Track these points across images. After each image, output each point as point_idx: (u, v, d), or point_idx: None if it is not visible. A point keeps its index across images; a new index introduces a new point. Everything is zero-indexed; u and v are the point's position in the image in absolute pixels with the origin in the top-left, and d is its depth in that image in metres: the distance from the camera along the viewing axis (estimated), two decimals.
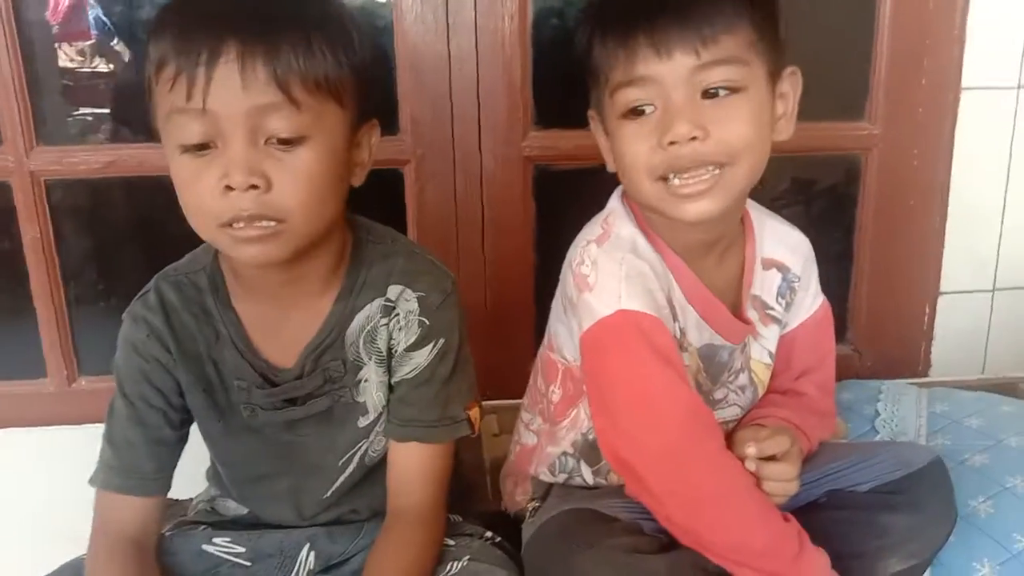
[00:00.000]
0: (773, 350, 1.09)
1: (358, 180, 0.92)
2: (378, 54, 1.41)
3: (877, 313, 1.62)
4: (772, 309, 1.07)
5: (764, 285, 1.06)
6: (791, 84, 0.95)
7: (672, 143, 0.88)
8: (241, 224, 0.82)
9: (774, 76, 0.93)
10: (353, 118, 0.88)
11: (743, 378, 1.07)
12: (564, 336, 1.05)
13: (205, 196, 0.82)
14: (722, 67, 0.88)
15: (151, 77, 0.82)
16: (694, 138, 0.87)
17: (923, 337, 1.63)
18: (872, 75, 1.51)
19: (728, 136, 0.88)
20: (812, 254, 1.11)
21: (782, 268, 1.07)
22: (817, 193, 1.64)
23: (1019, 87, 1.51)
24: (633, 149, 0.91)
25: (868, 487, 1.03)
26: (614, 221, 1.00)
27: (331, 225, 0.90)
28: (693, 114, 0.87)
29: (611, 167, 1.00)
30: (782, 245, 1.08)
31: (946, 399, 1.34)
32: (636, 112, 0.91)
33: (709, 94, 0.88)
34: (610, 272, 0.94)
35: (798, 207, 1.62)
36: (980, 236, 1.58)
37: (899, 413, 1.31)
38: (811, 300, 1.11)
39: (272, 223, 0.82)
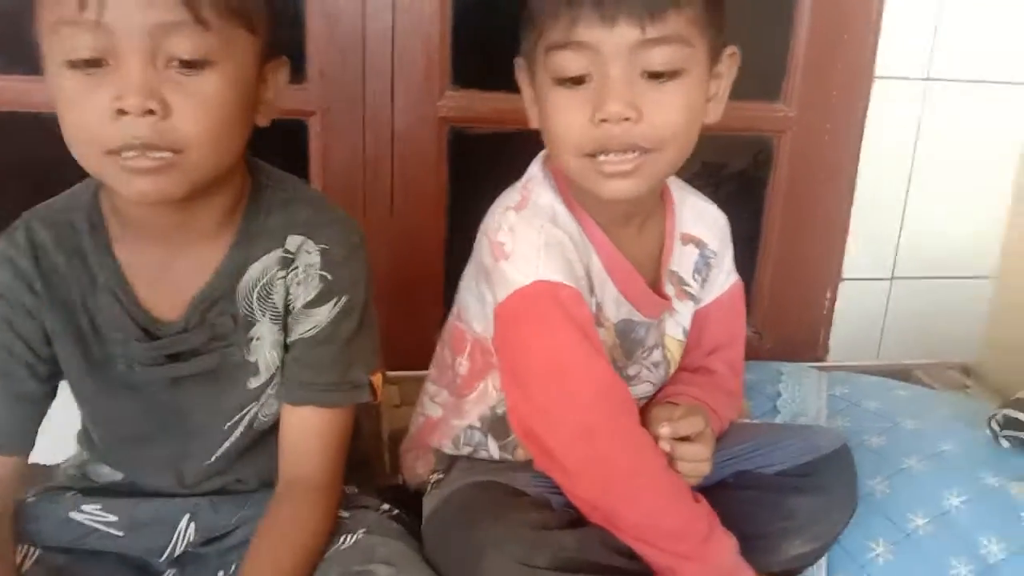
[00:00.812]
0: (687, 326, 1.09)
1: (263, 120, 0.85)
2: None
3: (780, 296, 1.65)
4: (688, 285, 1.07)
5: (682, 261, 1.06)
6: (727, 65, 0.93)
7: (603, 120, 0.85)
8: (132, 153, 0.74)
9: (713, 56, 0.90)
10: (262, 49, 0.82)
11: (657, 354, 1.06)
12: (475, 307, 1.02)
13: (92, 119, 0.74)
14: (665, 47, 0.84)
15: None
16: (627, 119, 0.85)
17: (823, 321, 1.67)
18: (790, 58, 1.53)
19: (660, 122, 0.86)
20: (728, 231, 1.11)
21: (700, 244, 1.07)
22: (728, 175, 1.65)
23: (927, 79, 1.55)
24: (564, 120, 0.88)
25: (776, 469, 1.04)
26: (533, 188, 0.97)
27: (231, 164, 0.83)
28: (628, 93, 0.85)
29: (534, 123, 0.96)
30: (701, 221, 1.08)
31: (846, 382, 1.37)
32: (573, 82, 0.87)
33: (650, 75, 0.85)
34: (528, 240, 0.92)
35: (708, 187, 1.62)
36: (882, 225, 1.63)
37: (800, 394, 1.34)
38: (725, 277, 1.12)
39: (168, 154, 0.75)
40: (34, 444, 0.90)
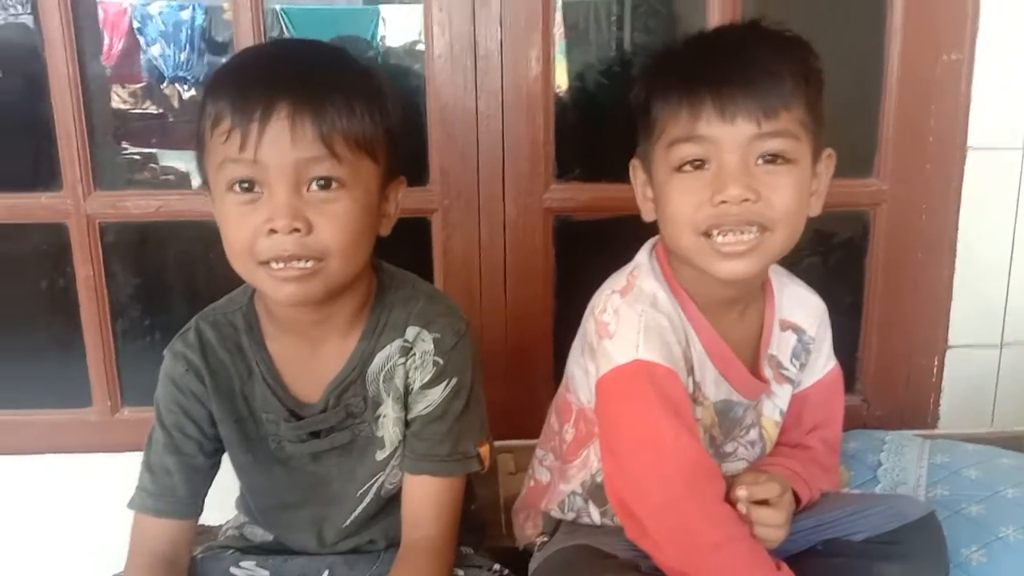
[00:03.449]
0: (784, 408, 1.13)
1: (385, 230, 1.00)
2: (411, 112, 1.50)
3: (886, 364, 1.65)
4: (787, 369, 1.12)
5: (781, 345, 1.11)
6: (826, 165, 1.01)
7: (723, 202, 0.93)
8: (280, 264, 0.90)
9: (816, 154, 0.99)
10: (384, 173, 0.96)
11: (754, 433, 1.11)
12: (580, 378, 1.10)
13: (248, 237, 0.90)
14: (779, 139, 0.93)
15: (206, 130, 0.91)
16: (746, 199, 0.93)
17: (931, 389, 1.65)
18: (880, 133, 1.56)
19: (777, 202, 0.94)
20: (827, 318, 1.15)
21: (798, 330, 1.12)
22: (829, 246, 1.68)
23: None
24: (682, 201, 0.96)
25: (863, 536, 1.06)
26: (639, 275, 1.05)
27: (361, 269, 0.98)
28: (747, 178, 0.93)
29: (648, 217, 1.05)
30: (800, 308, 1.13)
31: (948, 451, 1.36)
32: (693, 165, 0.96)
33: (765, 160, 0.94)
34: (630, 322, 1.00)
35: (811, 259, 1.67)
36: (988, 291, 1.61)
37: (901, 463, 1.33)
38: (824, 362, 1.16)
39: (310, 263, 0.90)
40: (202, 510, 1.05)
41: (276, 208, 0.88)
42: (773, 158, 0.94)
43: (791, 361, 1.12)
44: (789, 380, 1.12)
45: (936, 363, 1.64)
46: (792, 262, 1.15)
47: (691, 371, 1.02)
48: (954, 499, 1.22)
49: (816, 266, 1.66)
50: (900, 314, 1.62)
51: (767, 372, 1.09)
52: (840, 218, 1.65)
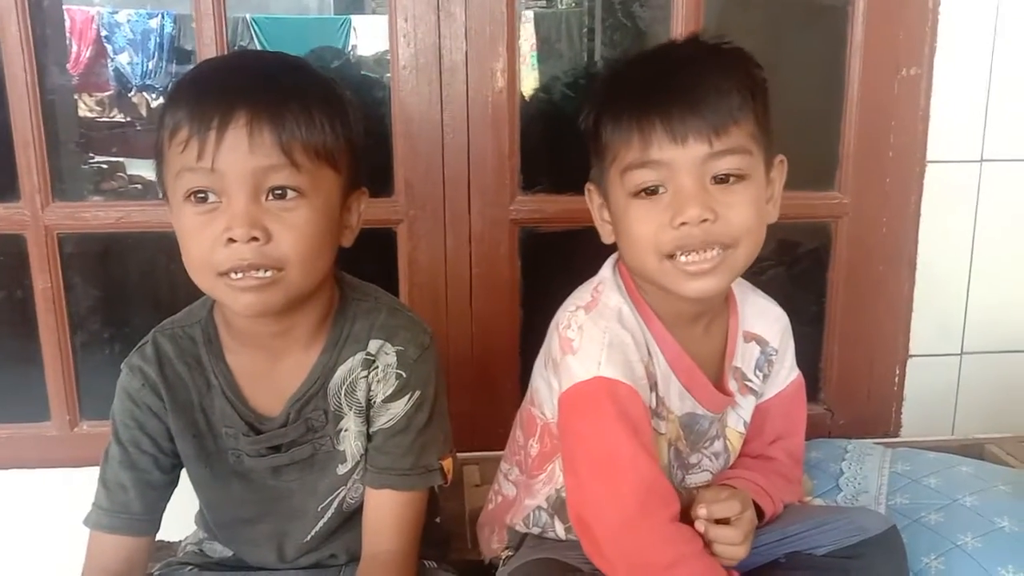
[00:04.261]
0: (748, 420, 1.14)
1: (347, 241, 0.99)
2: (378, 122, 1.50)
3: (848, 374, 1.67)
4: (750, 381, 1.12)
5: (745, 357, 1.11)
6: (778, 172, 1.02)
7: (683, 224, 0.94)
8: (239, 275, 0.88)
9: (767, 164, 1.00)
10: (345, 183, 0.96)
11: (718, 445, 1.12)
12: (544, 392, 1.10)
13: (207, 247, 0.88)
14: (731, 156, 0.94)
15: (164, 141, 0.90)
16: (705, 220, 0.93)
17: (893, 398, 1.67)
18: (841, 148, 1.58)
19: (735, 219, 0.94)
20: (789, 329, 1.16)
21: (761, 341, 1.13)
22: (792, 258, 1.70)
23: (981, 160, 1.57)
24: (643, 226, 0.97)
25: (825, 550, 1.06)
26: (603, 290, 1.05)
27: (322, 280, 0.97)
28: (704, 198, 0.93)
29: (607, 239, 1.05)
30: (762, 319, 1.13)
31: (908, 459, 1.38)
32: (648, 192, 0.96)
33: (718, 180, 0.95)
34: (593, 339, 1.00)
35: (775, 270, 1.69)
36: (947, 301, 1.63)
37: (862, 472, 1.35)
38: (786, 373, 1.16)
39: (270, 272, 0.89)
40: (159, 527, 1.04)
41: (234, 217, 0.87)
42: (725, 177, 0.95)
43: (755, 373, 1.12)
44: (753, 392, 1.13)
45: (898, 372, 1.66)
46: (755, 272, 1.16)
47: (654, 386, 1.02)
48: (914, 507, 1.23)
49: (779, 277, 1.68)
50: (862, 324, 1.64)
51: (731, 384, 1.10)
52: (802, 230, 1.67)
